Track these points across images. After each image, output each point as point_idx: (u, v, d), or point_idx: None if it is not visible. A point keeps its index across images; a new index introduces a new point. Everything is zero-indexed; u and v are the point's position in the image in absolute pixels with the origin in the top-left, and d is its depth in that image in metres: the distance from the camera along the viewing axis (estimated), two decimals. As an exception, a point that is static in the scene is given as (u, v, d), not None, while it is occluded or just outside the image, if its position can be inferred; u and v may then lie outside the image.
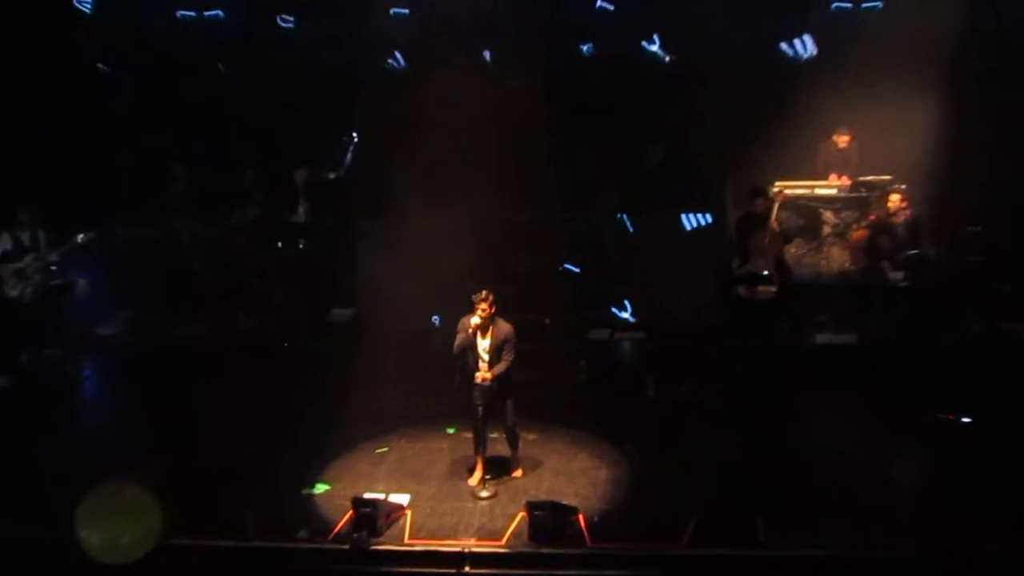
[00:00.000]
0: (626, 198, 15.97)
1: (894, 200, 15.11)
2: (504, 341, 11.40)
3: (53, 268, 15.00)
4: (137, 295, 15.84)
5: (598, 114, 16.11)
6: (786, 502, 10.76)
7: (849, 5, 15.96)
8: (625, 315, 15.28)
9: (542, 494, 11.26)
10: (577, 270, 15.64)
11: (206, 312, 15.69)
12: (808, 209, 16.06)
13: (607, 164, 16.38)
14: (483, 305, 11.32)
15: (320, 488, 11.61)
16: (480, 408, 11.48)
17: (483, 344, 11.41)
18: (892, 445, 11.87)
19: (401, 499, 11.16)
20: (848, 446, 11.77)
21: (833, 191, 15.98)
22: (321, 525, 10.82)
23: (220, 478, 11.56)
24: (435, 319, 12.01)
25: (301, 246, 16.20)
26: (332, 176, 16.52)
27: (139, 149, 16.26)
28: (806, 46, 15.96)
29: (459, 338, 11.38)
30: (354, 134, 16.53)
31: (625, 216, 15.71)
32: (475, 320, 11.30)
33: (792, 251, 15.77)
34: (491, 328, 11.39)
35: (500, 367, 11.39)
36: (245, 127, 16.49)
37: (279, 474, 11.74)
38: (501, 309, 11.55)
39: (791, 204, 15.81)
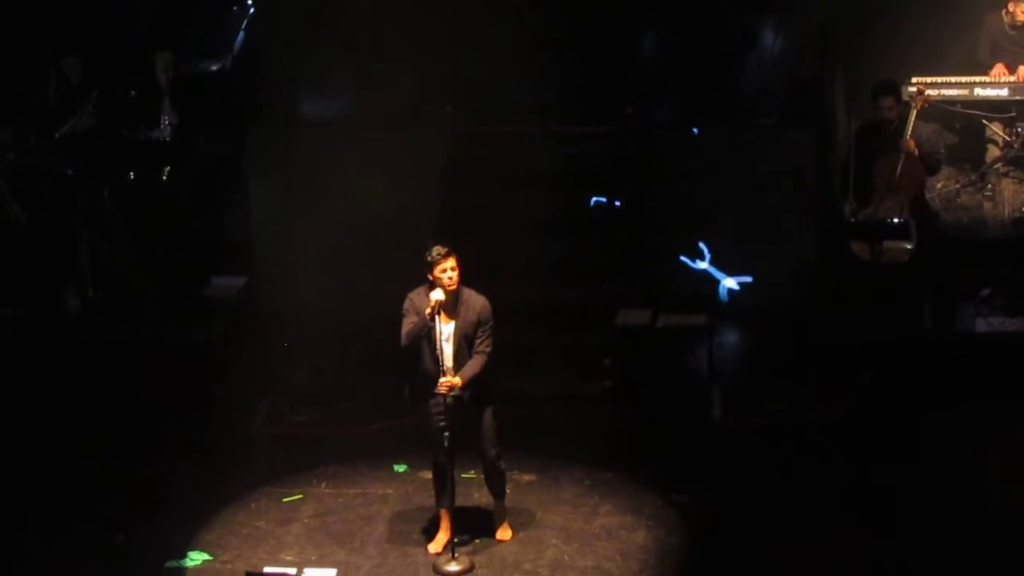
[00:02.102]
0: (673, 103, 16.24)
1: None
2: (477, 324, 11.39)
3: None
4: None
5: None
6: None
7: None
8: (702, 265, 15.44)
9: (543, 569, 11.34)
10: (616, 202, 15.77)
11: (13, 283, 15.69)
12: (965, 121, 16.18)
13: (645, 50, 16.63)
14: (446, 271, 11.29)
15: (195, 559, 11.64)
16: (444, 435, 11.44)
17: (446, 331, 11.38)
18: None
19: None
20: None
21: (1004, 91, 16.10)
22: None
23: (35, 541, 11.66)
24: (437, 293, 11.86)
25: (164, 177, 16.31)
26: (213, 67, 16.66)
27: None
28: None
29: (409, 324, 11.37)
30: (248, 1, 16.66)
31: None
32: (436, 295, 11.28)
33: (939, 187, 15.82)
34: (457, 307, 11.40)
35: (474, 366, 11.38)
36: None
37: (131, 537, 11.77)
38: (474, 277, 11.58)
39: (938, 113, 15.91)
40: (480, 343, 11.38)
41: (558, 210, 15.80)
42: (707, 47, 16.59)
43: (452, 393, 11.33)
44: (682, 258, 15.47)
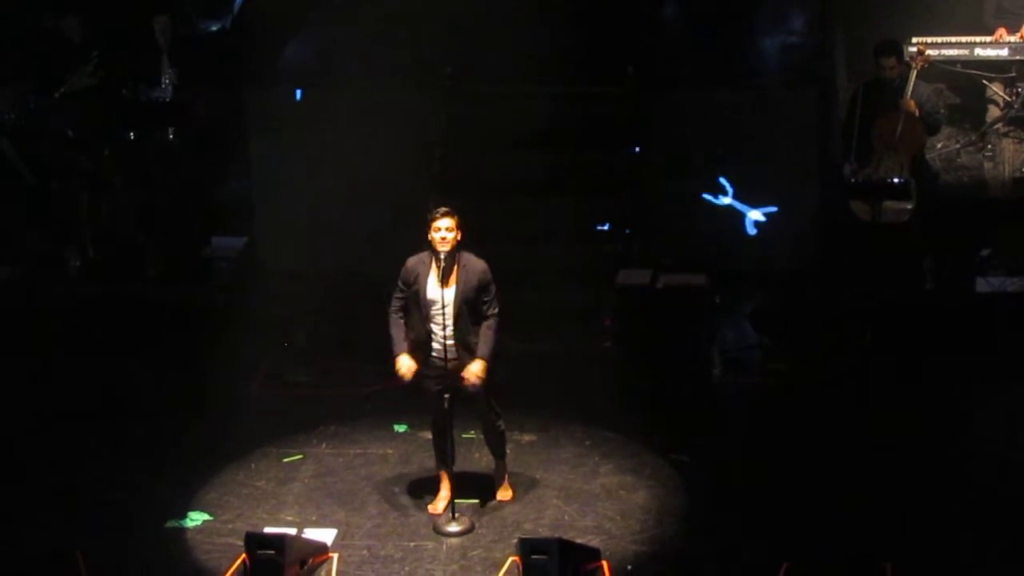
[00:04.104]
0: (674, 63, 16.19)
1: None
2: (478, 288, 11.33)
3: None
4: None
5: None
6: (927, 544, 10.94)
7: None
8: (725, 200, 15.47)
9: (544, 529, 11.34)
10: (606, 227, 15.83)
11: (13, 243, 15.68)
12: (965, 81, 16.20)
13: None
14: (440, 230, 11.24)
15: (195, 519, 11.65)
16: (444, 396, 11.45)
17: (446, 296, 11.31)
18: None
19: (323, 536, 11.27)
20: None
21: (1004, 51, 16.12)
22: (196, 576, 10.98)
23: (35, 501, 11.70)
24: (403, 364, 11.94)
25: (170, 136, 16.28)
26: (213, 28, 16.62)
27: None
28: None
29: (396, 324, 11.46)
30: None
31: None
32: (402, 366, 11.37)
33: (940, 146, 15.81)
34: (455, 270, 11.34)
35: (488, 337, 11.35)
36: None
37: (131, 497, 11.83)
38: (474, 237, 11.57)
39: (938, 73, 15.87)
40: (487, 308, 11.35)
41: (560, 170, 15.81)
42: (708, 8, 16.56)
43: (478, 380, 11.34)
44: (705, 195, 15.53)
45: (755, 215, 15.43)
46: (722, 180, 15.44)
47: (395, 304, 11.47)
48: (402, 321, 11.43)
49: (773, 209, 15.43)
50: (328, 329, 14.47)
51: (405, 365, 11.38)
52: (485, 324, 11.34)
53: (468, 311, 11.32)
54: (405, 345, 11.42)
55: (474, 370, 11.27)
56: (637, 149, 15.92)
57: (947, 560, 10.70)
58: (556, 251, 15.25)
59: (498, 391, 11.62)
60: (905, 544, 10.79)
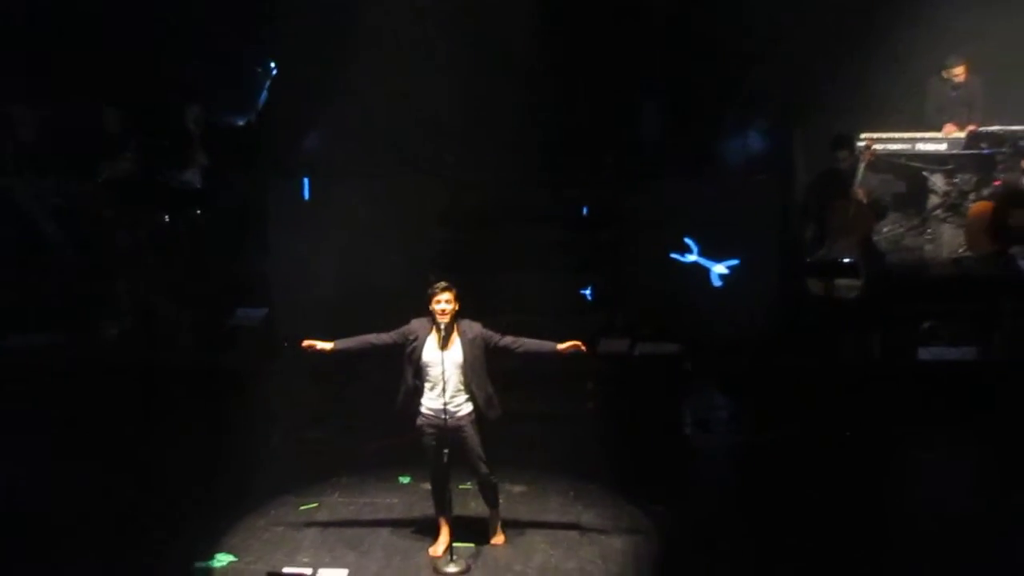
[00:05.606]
0: (654, 154, 16.35)
1: None
2: (484, 343, 11.26)
3: None
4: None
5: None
6: None
7: None
8: (691, 258, 15.40)
9: (532, 571, 11.25)
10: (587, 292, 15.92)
11: (58, 313, 15.69)
12: (908, 172, 16.20)
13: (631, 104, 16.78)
14: (440, 302, 11.20)
15: (220, 561, 11.53)
16: (443, 452, 11.34)
17: (445, 359, 11.23)
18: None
19: None
20: (969, 505, 11.92)
21: (943, 146, 16.12)
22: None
23: (71, 549, 11.56)
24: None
25: (197, 216, 16.33)
26: (240, 122, 16.70)
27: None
28: None
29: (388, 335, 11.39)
30: (271, 64, 16.72)
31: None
32: (441, 321, 11.18)
33: (885, 230, 15.83)
34: (453, 336, 11.28)
35: (528, 339, 11.39)
36: (113, 49, 16.53)
37: (160, 541, 11.70)
38: (470, 307, 11.52)
39: (884, 165, 15.94)
40: (502, 339, 11.32)
41: (549, 248, 15.85)
42: (681, 108, 16.69)
43: (454, 420, 11.27)
44: (672, 255, 15.45)
45: (719, 268, 15.35)
46: (688, 240, 15.37)
47: (380, 334, 11.41)
48: (370, 338, 11.42)
49: (735, 262, 15.35)
50: (344, 386, 14.42)
51: (315, 340, 11.50)
52: (511, 337, 11.34)
53: (471, 372, 11.25)
54: (342, 343, 11.51)
55: (569, 343, 11.32)
56: (617, 230, 15.90)
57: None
58: (546, 321, 14.96)
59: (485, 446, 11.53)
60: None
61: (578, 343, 11.28)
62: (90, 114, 16.73)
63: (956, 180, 16.20)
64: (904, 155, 16.13)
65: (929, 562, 11.10)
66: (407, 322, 11.36)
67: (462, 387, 11.28)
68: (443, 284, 11.22)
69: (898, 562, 11.17)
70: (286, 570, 10.98)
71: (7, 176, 16.41)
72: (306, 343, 11.50)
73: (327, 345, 11.49)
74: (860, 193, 14.99)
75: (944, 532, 11.58)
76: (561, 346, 11.33)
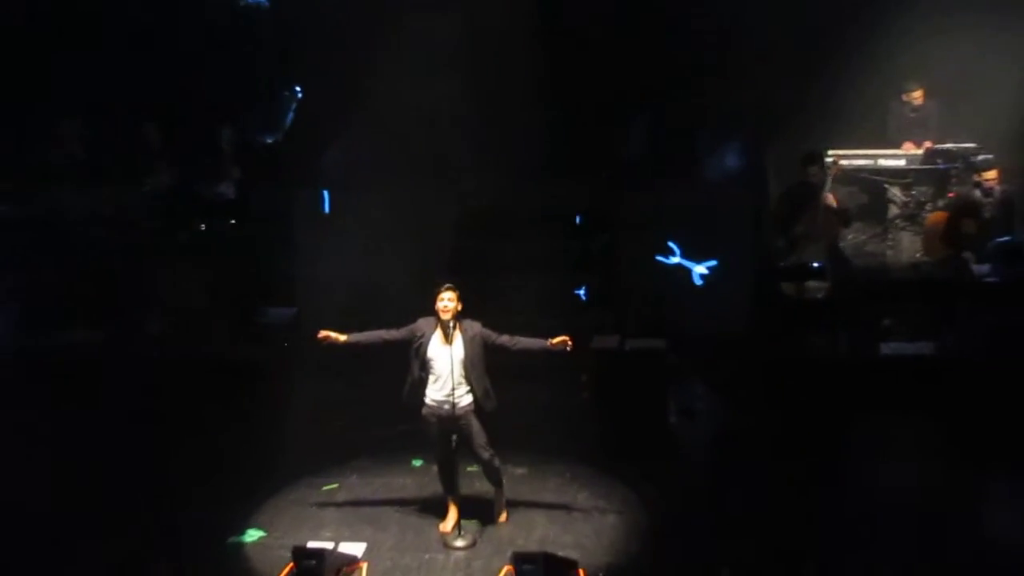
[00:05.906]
0: (635, 166, 16.45)
1: (990, 176, 15.26)
2: (483, 341, 11.49)
3: None
4: (15, 291, 15.81)
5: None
6: (844, 556, 11.10)
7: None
8: (675, 260, 15.42)
9: (533, 544, 11.51)
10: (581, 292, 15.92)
11: (104, 312, 15.66)
12: (871, 185, 16.29)
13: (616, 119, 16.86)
14: (442, 299, 11.44)
15: (251, 536, 11.89)
16: (452, 438, 11.65)
17: (449, 353, 11.44)
18: (982, 486, 12.20)
19: (354, 549, 11.37)
20: (923, 486, 12.07)
21: (902, 162, 16.25)
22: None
23: (120, 525, 11.84)
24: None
25: (230, 225, 16.34)
26: (268, 140, 16.77)
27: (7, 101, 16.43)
28: None
29: (398, 330, 11.61)
30: (297, 88, 16.81)
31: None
32: (444, 318, 11.39)
33: (850, 237, 16.00)
34: (455, 333, 11.47)
35: (525, 339, 11.56)
36: (152, 73, 16.68)
37: (198, 518, 12.03)
38: (474, 308, 11.76)
39: (849, 178, 16.08)
40: (499, 337, 11.53)
41: (549, 252, 15.88)
42: (666, 128, 16.81)
43: (457, 411, 11.47)
44: (657, 257, 15.48)
45: (700, 269, 15.36)
46: (671, 244, 15.43)
47: (390, 330, 11.62)
48: (381, 333, 11.59)
49: (714, 263, 15.36)
50: (364, 378, 14.21)
51: (330, 332, 11.55)
52: (507, 336, 11.55)
53: (472, 367, 11.45)
54: (355, 336, 11.60)
55: (558, 339, 11.41)
56: (608, 236, 15.99)
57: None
58: (546, 320, 14.44)
59: (488, 433, 11.71)
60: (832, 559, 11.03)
61: (565, 339, 11.39)
62: (135, 132, 16.73)
63: (914, 192, 16.36)
64: (867, 170, 16.29)
65: (884, 536, 11.33)
66: (415, 321, 11.58)
67: (463, 380, 11.45)
68: (447, 284, 11.47)
69: (858, 534, 11.38)
70: (310, 544, 11.13)
71: (62, 186, 16.35)
72: (322, 334, 11.52)
73: (341, 337, 11.53)
74: (831, 198, 15.09)
75: (900, 508, 11.67)
76: (550, 342, 11.46)
